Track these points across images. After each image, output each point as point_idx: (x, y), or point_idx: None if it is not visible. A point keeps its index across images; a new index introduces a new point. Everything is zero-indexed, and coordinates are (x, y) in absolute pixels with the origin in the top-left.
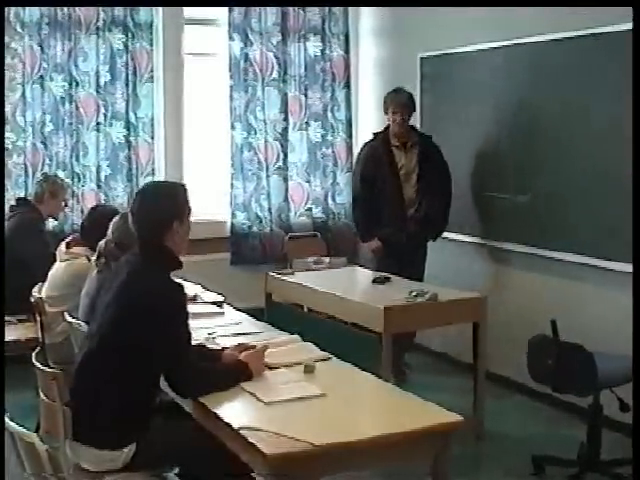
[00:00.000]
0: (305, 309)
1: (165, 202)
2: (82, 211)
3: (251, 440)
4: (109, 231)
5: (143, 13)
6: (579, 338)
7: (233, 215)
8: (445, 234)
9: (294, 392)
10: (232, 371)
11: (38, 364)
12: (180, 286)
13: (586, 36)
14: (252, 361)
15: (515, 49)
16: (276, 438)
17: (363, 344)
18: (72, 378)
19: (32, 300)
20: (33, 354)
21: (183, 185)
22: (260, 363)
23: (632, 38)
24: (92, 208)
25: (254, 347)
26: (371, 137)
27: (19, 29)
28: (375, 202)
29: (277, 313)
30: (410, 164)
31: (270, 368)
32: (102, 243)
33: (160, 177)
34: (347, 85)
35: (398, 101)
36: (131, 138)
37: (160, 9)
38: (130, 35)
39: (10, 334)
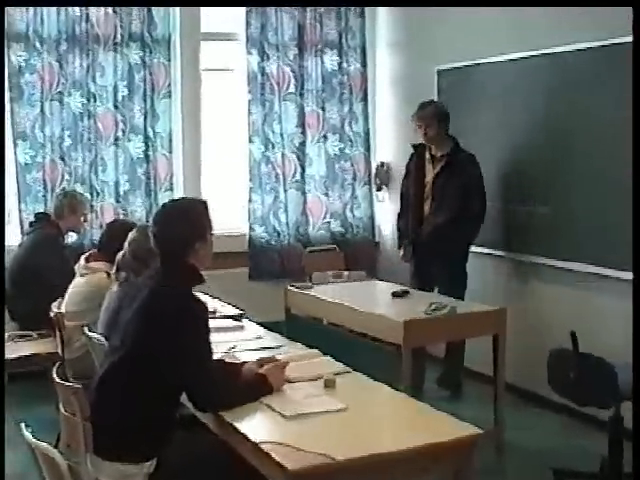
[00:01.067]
0: (325, 323)
1: (186, 222)
2: (101, 226)
3: (271, 454)
4: (126, 244)
5: (160, 28)
6: (599, 350)
7: (251, 229)
8: None
9: (314, 406)
10: (252, 386)
11: (58, 379)
12: (202, 302)
13: (604, 47)
14: (273, 376)
15: (533, 61)
16: (296, 452)
17: (383, 357)
18: (93, 392)
19: (52, 315)
20: (54, 369)
21: (203, 201)
22: (281, 378)
23: (632, 38)
24: (110, 222)
25: (274, 361)
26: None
27: (38, 45)
28: (407, 214)
29: (296, 327)
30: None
31: (290, 382)
32: (119, 256)
33: (179, 191)
34: (364, 98)
35: (419, 115)
36: (149, 153)
37: (177, 24)
38: (147, 50)
39: (30, 349)
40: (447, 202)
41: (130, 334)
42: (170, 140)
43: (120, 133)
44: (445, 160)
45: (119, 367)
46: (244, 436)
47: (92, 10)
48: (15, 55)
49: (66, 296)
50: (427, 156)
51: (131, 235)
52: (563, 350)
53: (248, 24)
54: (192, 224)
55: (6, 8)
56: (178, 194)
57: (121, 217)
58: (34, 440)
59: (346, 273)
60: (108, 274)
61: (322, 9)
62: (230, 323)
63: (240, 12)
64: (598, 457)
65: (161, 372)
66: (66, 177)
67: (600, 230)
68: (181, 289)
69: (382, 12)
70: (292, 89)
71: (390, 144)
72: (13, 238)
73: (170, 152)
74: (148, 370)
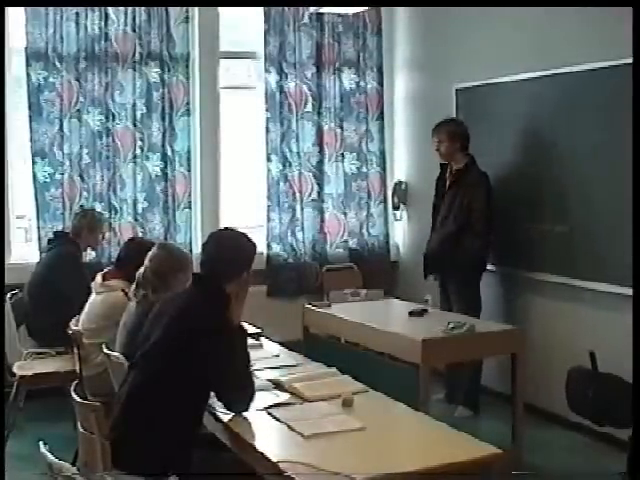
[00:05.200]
0: (342, 341)
1: (244, 254)
2: (119, 243)
3: (290, 474)
4: (146, 260)
5: (179, 46)
6: (618, 369)
7: (269, 247)
8: None
9: (333, 425)
10: None
11: (77, 396)
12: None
13: (625, 65)
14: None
15: (552, 79)
16: (315, 471)
17: (401, 376)
18: (116, 408)
19: (70, 332)
20: (72, 386)
21: (255, 244)
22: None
23: (632, 38)
24: (129, 240)
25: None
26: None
27: (57, 63)
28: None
29: (314, 345)
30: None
31: (309, 401)
32: (140, 273)
33: (197, 210)
34: (381, 117)
35: (436, 131)
36: (167, 171)
37: (196, 42)
38: (166, 68)
39: (48, 366)
40: (452, 217)
41: (158, 351)
42: (188, 158)
43: (138, 151)
44: (455, 176)
45: (146, 383)
46: (263, 455)
47: (111, 28)
48: (34, 73)
49: (83, 314)
50: (447, 173)
51: (152, 252)
52: (582, 369)
53: (266, 42)
54: (248, 254)
55: (25, 26)
56: (196, 212)
57: (139, 235)
58: (52, 458)
59: (364, 291)
60: (125, 292)
61: (340, 27)
62: (248, 342)
63: (258, 30)
64: (618, 477)
65: (190, 389)
66: (84, 195)
67: (618, 249)
68: (215, 309)
69: (400, 30)
70: (310, 108)
71: (408, 162)
72: (32, 255)
73: (188, 170)
74: (176, 387)
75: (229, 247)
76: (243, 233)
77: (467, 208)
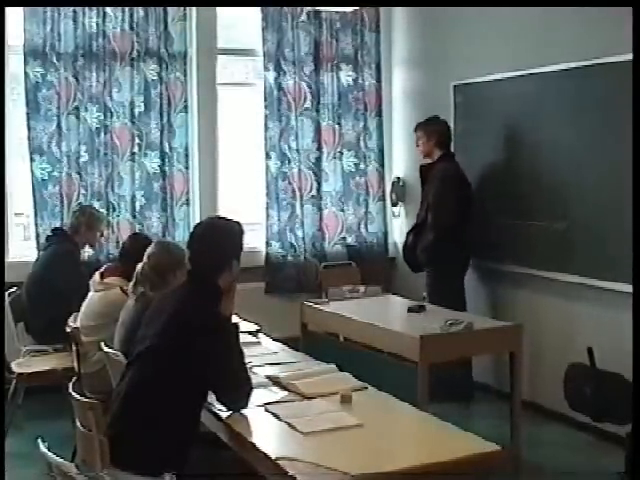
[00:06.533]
0: (341, 338)
1: (228, 241)
2: (117, 241)
3: (289, 471)
4: (145, 257)
5: (177, 44)
6: (616, 366)
7: (268, 245)
8: (479, 262)
9: (331, 422)
10: None
11: (75, 394)
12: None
13: (622, 62)
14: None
15: (549, 76)
16: (314, 469)
17: (399, 373)
18: (114, 406)
19: (68, 330)
20: (70, 384)
21: (239, 223)
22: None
23: (632, 38)
24: (133, 235)
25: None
26: None
27: (55, 61)
28: None
29: (313, 343)
30: None
31: (307, 398)
32: (139, 269)
33: (195, 207)
34: (379, 114)
35: (416, 130)
36: (166, 168)
37: (194, 39)
38: (164, 66)
39: (46, 364)
40: (418, 213)
41: (157, 349)
42: (186, 155)
43: (136, 148)
44: (425, 172)
45: (145, 381)
46: (262, 452)
47: (109, 26)
48: (32, 71)
49: (81, 311)
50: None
51: (150, 250)
52: (580, 366)
53: (264, 40)
54: (233, 241)
55: (23, 23)
56: (194, 210)
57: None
58: (51, 455)
59: (362, 288)
60: (123, 289)
61: (338, 24)
62: (247, 338)
63: (256, 28)
64: (616, 477)
65: (188, 387)
66: (82, 192)
67: (618, 246)
68: (211, 307)
69: (398, 27)
70: (308, 104)
71: (406, 159)
72: (30, 253)
73: (186, 167)
74: (175, 384)
75: (212, 237)
76: (225, 218)
77: (427, 201)
